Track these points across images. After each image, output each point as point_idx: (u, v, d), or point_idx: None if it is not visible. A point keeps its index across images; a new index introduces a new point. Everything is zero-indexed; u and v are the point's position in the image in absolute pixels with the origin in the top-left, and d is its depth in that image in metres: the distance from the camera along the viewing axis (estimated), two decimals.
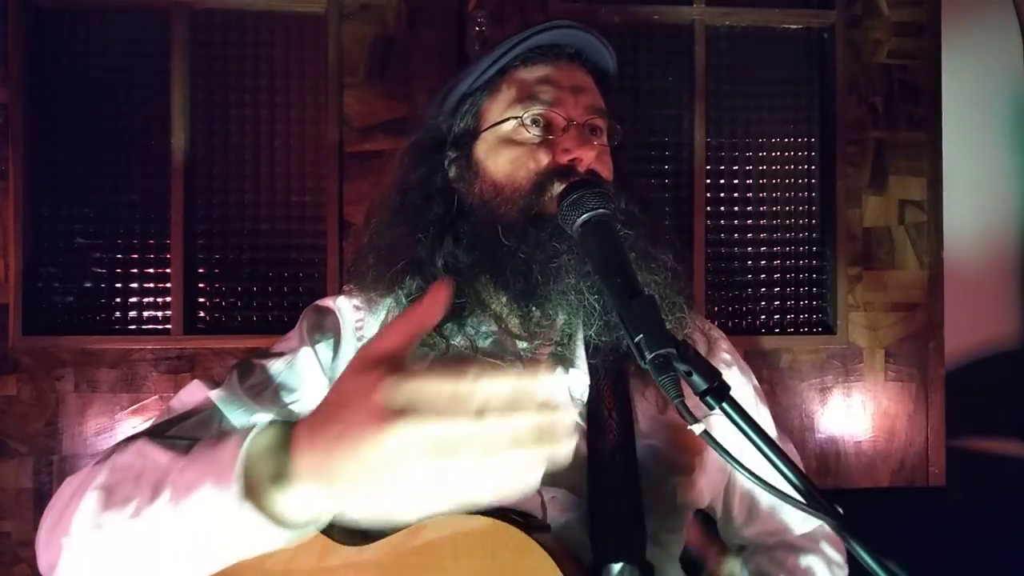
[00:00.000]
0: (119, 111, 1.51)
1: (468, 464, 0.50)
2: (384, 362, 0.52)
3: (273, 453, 0.59)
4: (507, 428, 0.50)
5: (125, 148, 1.51)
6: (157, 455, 0.68)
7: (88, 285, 1.51)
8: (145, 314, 1.52)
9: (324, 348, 0.90)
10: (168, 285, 1.50)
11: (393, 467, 0.50)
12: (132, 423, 1.47)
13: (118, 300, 1.51)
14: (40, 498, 1.45)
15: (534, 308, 0.87)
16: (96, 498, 0.67)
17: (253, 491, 0.57)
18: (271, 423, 0.61)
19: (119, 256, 1.51)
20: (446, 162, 0.95)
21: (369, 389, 0.51)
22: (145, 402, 1.48)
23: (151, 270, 1.52)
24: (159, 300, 1.51)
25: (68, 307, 1.50)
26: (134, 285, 1.52)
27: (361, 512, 0.55)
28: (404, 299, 0.90)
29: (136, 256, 1.52)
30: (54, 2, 1.49)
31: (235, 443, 0.60)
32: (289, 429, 0.59)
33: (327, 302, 0.97)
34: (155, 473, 0.66)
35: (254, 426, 0.62)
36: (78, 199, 1.51)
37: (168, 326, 1.50)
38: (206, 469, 0.61)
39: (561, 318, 0.88)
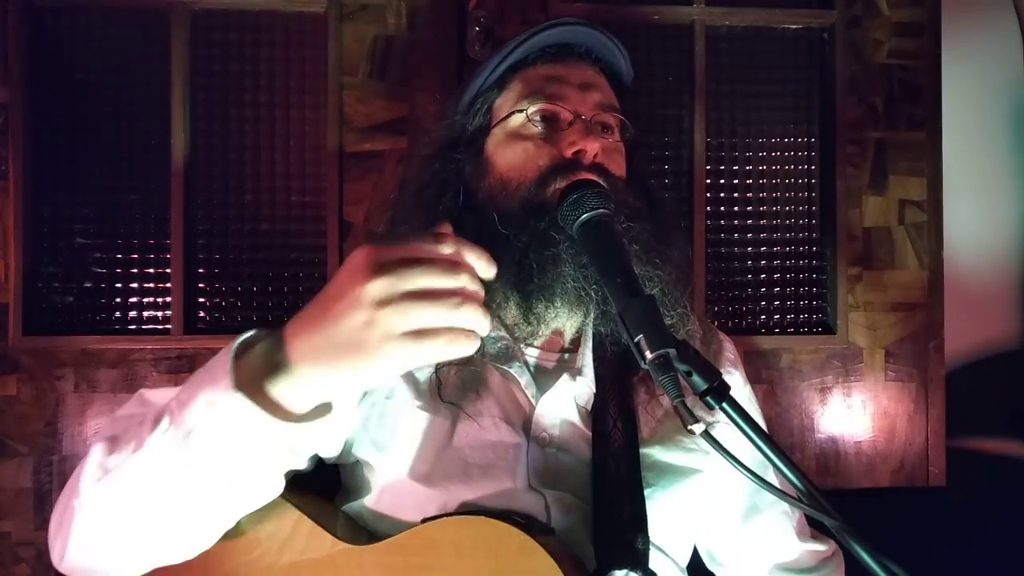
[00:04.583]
0: (119, 111, 1.51)
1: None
2: (371, 266, 0.59)
3: (264, 348, 0.66)
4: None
5: (125, 148, 1.51)
6: (156, 397, 0.71)
7: (88, 285, 1.51)
8: (145, 314, 1.52)
9: None
10: (168, 285, 1.50)
11: (374, 342, 0.58)
12: None
13: (118, 300, 1.51)
14: (40, 498, 1.45)
15: (533, 298, 0.87)
16: (101, 448, 0.68)
17: (248, 385, 0.62)
18: (257, 329, 0.68)
19: (119, 256, 1.51)
20: (460, 159, 0.96)
21: (357, 281, 0.59)
22: None
23: (151, 270, 1.51)
24: (159, 300, 1.51)
25: (68, 307, 1.50)
26: (134, 285, 1.51)
27: (353, 388, 0.67)
28: None
29: (136, 256, 1.51)
30: (54, 2, 1.49)
31: (224, 350, 0.66)
32: (278, 328, 0.67)
33: None
34: (155, 410, 0.67)
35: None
36: (78, 199, 1.50)
37: (168, 326, 1.49)
38: (200, 381, 0.65)
39: (562, 311, 0.88)
